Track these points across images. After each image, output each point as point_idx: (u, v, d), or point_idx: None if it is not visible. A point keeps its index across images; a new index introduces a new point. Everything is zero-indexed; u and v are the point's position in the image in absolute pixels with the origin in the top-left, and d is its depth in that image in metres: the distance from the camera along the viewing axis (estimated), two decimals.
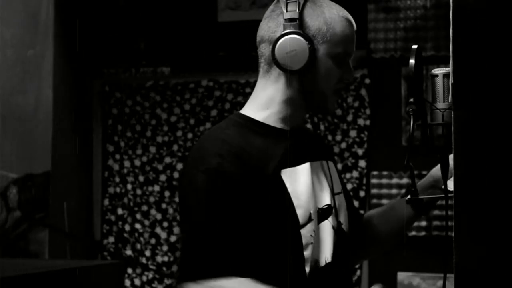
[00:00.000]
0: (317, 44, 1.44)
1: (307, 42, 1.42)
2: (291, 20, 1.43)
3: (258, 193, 1.39)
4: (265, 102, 1.50)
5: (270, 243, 1.40)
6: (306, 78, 1.46)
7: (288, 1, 1.44)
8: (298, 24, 1.43)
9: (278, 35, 1.44)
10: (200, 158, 1.42)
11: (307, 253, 1.41)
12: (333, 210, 1.51)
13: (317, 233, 1.44)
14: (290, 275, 1.39)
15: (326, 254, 1.46)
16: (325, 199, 1.49)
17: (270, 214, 1.39)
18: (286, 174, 1.43)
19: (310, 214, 1.44)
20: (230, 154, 1.39)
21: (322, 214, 1.47)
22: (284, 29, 1.43)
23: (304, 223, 1.42)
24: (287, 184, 1.42)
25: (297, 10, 1.43)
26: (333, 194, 1.51)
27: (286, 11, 1.44)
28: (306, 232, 1.42)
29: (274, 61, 1.44)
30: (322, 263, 1.46)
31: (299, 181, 1.44)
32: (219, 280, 1.34)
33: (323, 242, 1.46)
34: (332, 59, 1.46)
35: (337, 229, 1.51)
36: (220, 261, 1.36)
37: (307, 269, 1.41)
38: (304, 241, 1.41)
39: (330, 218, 1.49)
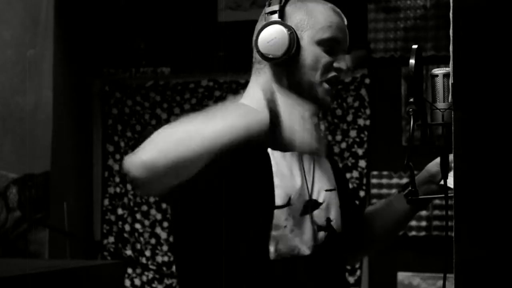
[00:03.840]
0: (300, 33, 1.47)
1: (286, 29, 1.44)
2: (271, 12, 1.47)
3: (243, 167, 1.39)
4: (252, 96, 1.51)
5: (238, 214, 1.41)
6: (292, 68, 1.47)
7: None
8: (279, 15, 1.46)
9: None
10: None
11: (275, 233, 1.41)
12: (320, 206, 1.50)
13: (296, 222, 1.44)
14: (251, 248, 1.41)
15: (304, 247, 1.46)
16: (305, 192, 1.48)
17: (248, 188, 1.40)
18: (273, 155, 1.44)
19: (290, 198, 1.43)
20: None
21: (306, 206, 1.47)
22: (265, 21, 1.46)
23: (281, 205, 1.42)
24: (272, 163, 1.43)
25: (279, 4, 1.47)
26: (308, 190, 1.49)
27: (269, 5, 1.48)
28: (280, 214, 1.41)
29: (257, 52, 1.46)
30: (298, 253, 1.45)
31: (283, 165, 1.45)
32: None
33: (303, 233, 1.46)
34: (319, 46, 1.48)
35: (326, 226, 1.50)
36: None
37: (272, 249, 1.41)
38: (274, 221, 1.41)
39: (314, 213, 1.48)
